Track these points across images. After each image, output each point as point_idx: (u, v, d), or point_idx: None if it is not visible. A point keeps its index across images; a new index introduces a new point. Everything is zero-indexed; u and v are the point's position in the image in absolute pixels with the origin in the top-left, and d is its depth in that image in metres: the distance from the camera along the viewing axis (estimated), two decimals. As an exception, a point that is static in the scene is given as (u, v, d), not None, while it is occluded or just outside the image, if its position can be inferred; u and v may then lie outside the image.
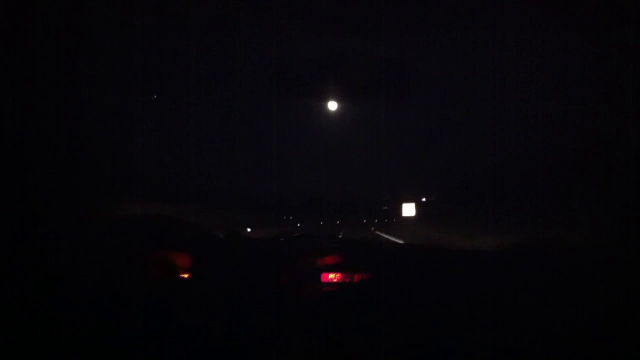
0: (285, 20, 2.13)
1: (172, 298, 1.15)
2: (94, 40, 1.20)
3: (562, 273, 1.21)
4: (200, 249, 1.56)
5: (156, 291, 1.14)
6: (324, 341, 0.98)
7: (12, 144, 0.99)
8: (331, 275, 1.51)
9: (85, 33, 1.16)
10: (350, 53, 2.28)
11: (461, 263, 1.56)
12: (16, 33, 0.97)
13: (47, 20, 1.04)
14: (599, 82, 2.38)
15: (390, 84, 2.34)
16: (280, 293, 1.36)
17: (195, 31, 2.20)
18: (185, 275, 1.49)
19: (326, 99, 2.69)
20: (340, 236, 3.95)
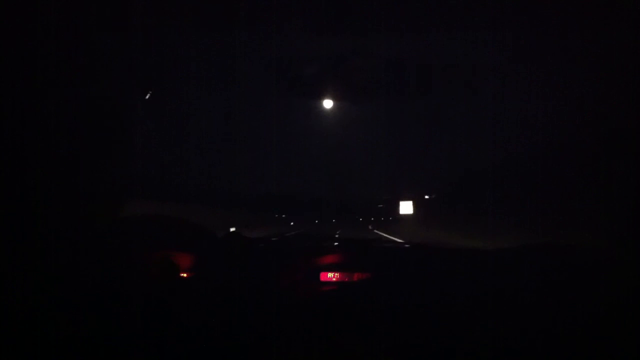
0: (285, 20, 2.13)
1: (172, 298, 1.15)
2: (93, 39, 1.20)
3: (562, 273, 1.21)
4: (200, 249, 1.56)
5: (156, 291, 1.14)
6: (324, 341, 0.98)
7: (12, 144, 0.99)
8: (330, 275, 1.51)
9: (85, 32, 1.16)
10: (350, 53, 2.28)
11: (461, 263, 1.56)
12: (16, 33, 0.97)
13: (47, 19, 1.03)
14: (599, 81, 2.38)
15: (390, 84, 2.34)
16: (280, 293, 1.37)
17: (195, 31, 2.20)
18: (185, 275, 1.49)
19: (326, 99, 2.69)
20: (337, 236, 3.95)
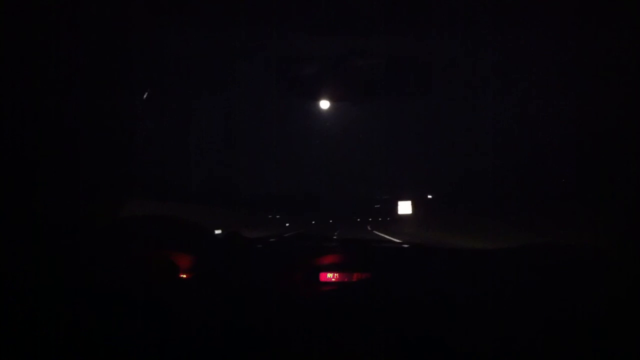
0: (285, 20, 2.13)
1: (172, 298, 1.15)
2: (94, 39, 1.20)
3: (563, 273, 1.21)
4: (200, 249, 1.56)
5: (156, 291, 1.14)
6: (324, 341, 0.98)
7: (12, 144, 0.99)
8: (330, 275, 1.52)
9: (85, 32, 1.16)
10: (350, 53, 2.28)
11: (461, 263, 1.57)
12: (16, 33, 0.97)
13: (47, 19, 1.03)
14: (599, 81, 2.38)
15: (391, 84, 2.34)
16: (280, 293, 1.37)
17: (195, 31, 2.20)
18: (185, 276, 1.49)
19: (325, 99, 2.69)
20: (335, 237, 3.96)
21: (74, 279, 0.99)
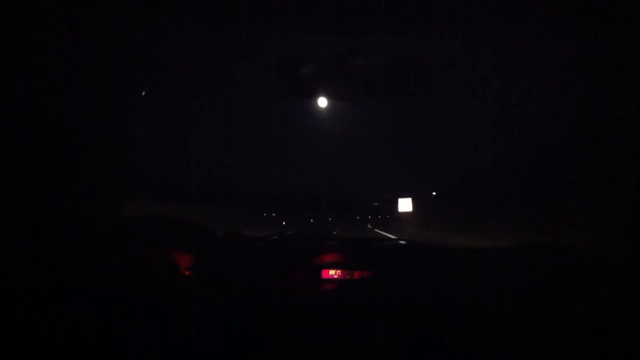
0: (285, 20, 2.13)
1: (172, 298, 1.15)
2: (93, 39, 1.20)
3: (563, 273, 1.21)
4: (200, 249, 1.56)
5: (156, 291, 1.14)
6: (324, 341, 0.98)
7: (13, 144, 0.99)
8: (332, 272, 1.51)
9: (86, 32, 1.16)
10: (350, 53, 2.28)
11: (461, 262, 1.56)
12: (17, 33, 0.97)
13: (47, 20, 1.03)
14: (599, 81, 2.38)
15: (391, 84, 2.34)
16: (280, 293, 1.36)
17: (196, 31, 2.20)
18: (185, 275, 1.49)
19: (325, 99, 2.69)
20: (334, 234, 3.96)
21: (74, 279, 0.99)
